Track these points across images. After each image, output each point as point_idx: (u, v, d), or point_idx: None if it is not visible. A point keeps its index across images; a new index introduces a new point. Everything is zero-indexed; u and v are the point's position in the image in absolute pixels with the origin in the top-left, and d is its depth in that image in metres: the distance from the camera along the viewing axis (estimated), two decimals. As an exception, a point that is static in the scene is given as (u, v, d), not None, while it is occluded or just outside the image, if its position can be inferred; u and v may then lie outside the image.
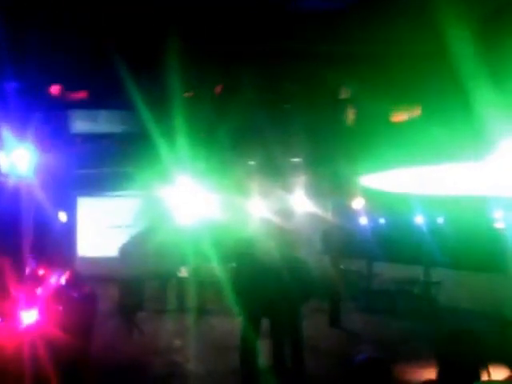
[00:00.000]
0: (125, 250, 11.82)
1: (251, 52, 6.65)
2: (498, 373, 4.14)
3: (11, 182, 7.26)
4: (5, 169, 7.11)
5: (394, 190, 9.33)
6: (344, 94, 7.99)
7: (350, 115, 8.21)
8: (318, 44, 6.28)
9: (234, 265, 9.52)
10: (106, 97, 8.12)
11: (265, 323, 8.34)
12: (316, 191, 13.14)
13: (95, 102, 8.30)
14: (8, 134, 7.00)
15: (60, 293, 7.28)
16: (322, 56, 6.59)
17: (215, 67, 6.96)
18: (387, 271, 15.18)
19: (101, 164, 10.93)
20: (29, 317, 6.78)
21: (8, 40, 5.78)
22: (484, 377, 3.67)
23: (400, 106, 6.85)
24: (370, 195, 12.70)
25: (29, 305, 6.83)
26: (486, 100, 4.87)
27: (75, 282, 7.63)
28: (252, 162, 11.98)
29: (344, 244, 13.16)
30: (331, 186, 12.67)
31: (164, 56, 6.34)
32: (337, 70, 6.86)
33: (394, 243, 15.07)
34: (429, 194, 9.30)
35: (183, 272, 12.93)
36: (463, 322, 11.34)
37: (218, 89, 7.89)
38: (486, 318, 11.12)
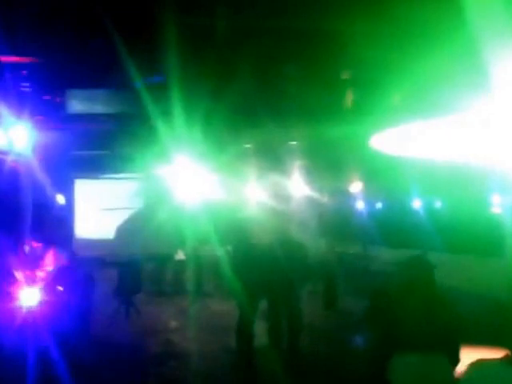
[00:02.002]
0: (122, 232, 11.83)
1: (249, 31, 6.62)
2: (495, 352, 4.17)
3: (9, 159, 7.24)
4: (2, 146, 7.09)
5: (396, 154, 9.32)
6: (343, 75, 7.96)
7: (349, 97, 8.18)
8: (317, 23, 6.25)
9: (230, 247, 9.53)
10: (103, 76, 8.08)
11: (262, 304, 8.38)
12: (313, 174, 13.13)
13: (92, 82, 8.26)
14: (6, 112, 6.96)
15: (58, 274, 7.31)
16: (320, 36, 6.56)
17: (213, 46, 6.92)
18: (383, 254, 15.23)
19: (98, 145, 10.90)
20: (28, 297, 6.81)
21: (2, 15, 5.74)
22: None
23: (399, 86, 6.84)
24: (369, 175, 12.72)
25: (28, 285, 6.85)
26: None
27: (73, 263, 7.65)
28: (249, 145, 11.96)
29: (341, 227, 13.17)
30: (329, 169, 12.66)
31: (161, 35, 6.30)
32: (335, 50, 6.83)
33: (390, 227, 15.12)
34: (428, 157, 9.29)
35: (180, 254, 12.95)
36: (459, 304, 11.39)
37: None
38: (483, 300, 11.19)
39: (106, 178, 13.16)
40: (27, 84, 7.84)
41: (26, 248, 7.57)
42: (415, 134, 7.77)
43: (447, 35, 5.22)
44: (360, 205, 15.63)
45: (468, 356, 4.13)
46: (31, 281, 6.86)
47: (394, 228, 15.27)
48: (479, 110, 6.08)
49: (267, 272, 7.93)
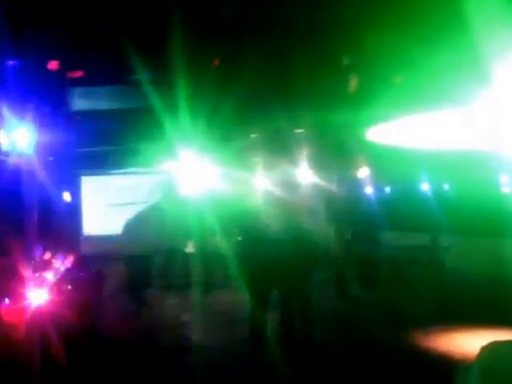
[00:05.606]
0: (130, 227, 11.82)
1: (252, 20, 6.58)
2: (507, 333, 4.13)
3: (12, 160, 7.23)
4: (5, 147, 7.07)
5: (399, 144, 9.30)
6: (349, 62, 7.91)
7: (353, 82, 8.13)
8: (321, 9, 6.21)
9: (239, 238, 9.51)
10: (106, 71, 8.06)
11: (273, 295, 8.36)
12: (321, 162, 13.08)
13: (95, 78, 8.24)
14: (8, 113, 6.95)
15: (67, 272, 7.32)
16: (327, 23, 6.51)
17: (217, 37, 6.88)
18: (394, 239, 15.15)
19: (103, 141, 10.89)
20: (37, 297, 6.81)
21: (6, 16, 5.72)
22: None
23: (405, 74, 6.81)
24: (376, 160, 12.67)
25: (37, 285, 6.85)
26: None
27: (81, 261, 7.66)
28: (255, 135, 11.92)
29: (349, 214, 13.12)
30: (336, 155, 12.62)
31: (164, 27, 6.26)
32: (341, 37, 6.79)
33: (400, 211, 15.03)
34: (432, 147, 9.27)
35: (190, 247, 12.94)
36: (471, 287, 11.38)
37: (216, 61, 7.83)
38: (493, 282, 11.13)
39: (112, 174, 13.20)
40: (30, 83, 7.82)
41: (34, 248, 7.58)
42: (418, 124, 7.74)
43: (452, 26, 5.16)
44: (368, 190, 15.54)
45: (481, 338, 4.09)
46: (39, 281, 6.86)
47: (403, 212, 15.19)
48: (483, 101, 6.03)
49: (277, 262, 7.91)
